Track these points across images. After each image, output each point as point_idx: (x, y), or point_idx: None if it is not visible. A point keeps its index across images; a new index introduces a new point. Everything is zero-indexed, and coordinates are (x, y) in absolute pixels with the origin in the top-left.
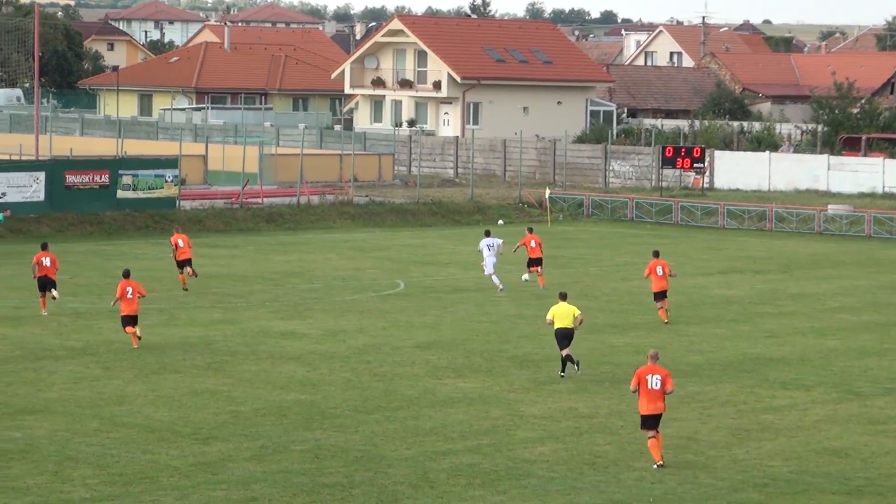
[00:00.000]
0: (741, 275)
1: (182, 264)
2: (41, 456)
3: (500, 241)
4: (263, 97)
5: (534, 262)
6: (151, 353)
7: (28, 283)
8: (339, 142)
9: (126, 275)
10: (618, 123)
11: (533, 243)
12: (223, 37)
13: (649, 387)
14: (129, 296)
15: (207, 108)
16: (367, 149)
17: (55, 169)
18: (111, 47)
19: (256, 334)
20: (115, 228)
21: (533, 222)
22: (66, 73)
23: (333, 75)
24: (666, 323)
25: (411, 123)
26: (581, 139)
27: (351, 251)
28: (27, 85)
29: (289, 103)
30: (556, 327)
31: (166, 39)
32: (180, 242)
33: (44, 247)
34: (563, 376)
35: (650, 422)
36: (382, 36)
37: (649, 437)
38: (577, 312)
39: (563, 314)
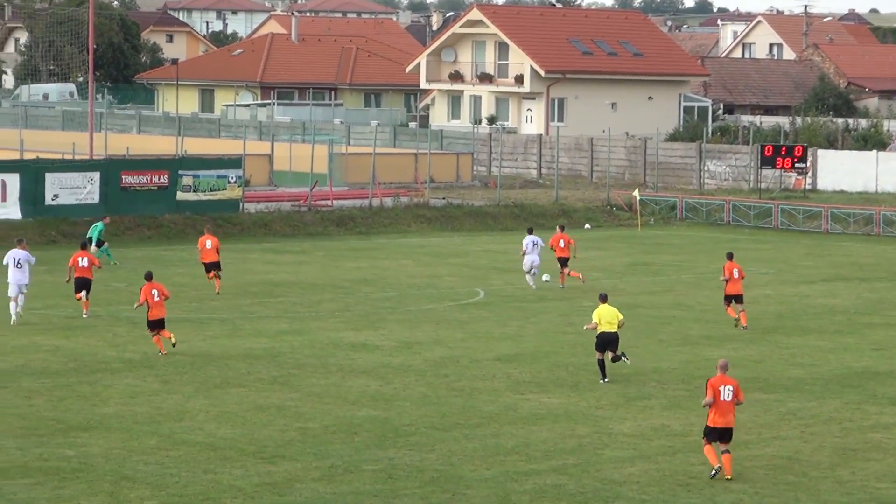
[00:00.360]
0: (846, 283)
1: (208, 268)
2: (96, 475)
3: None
4: (333, 92)
5: (562, 263)
6: (214, 366)
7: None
8: (415, 140)
9: (149, 277)
10: (713, 120)
11: (562, 243)
12: (290, 28)
13: (722, 398)
14: (155, 299)
15: (273, 104)
16: (444, 148)
17: (111, 169)
18: (170, 39)
19: (326, 346)
20: (174, 233)
21: (622, 226)
22: (122, 66)
23: (408, 69)
24: (738, 326)
25: (491, 120)
26: (674, 137)
27: (427, 257)
28: (81, 79)
29: (360, 99)
30: (599, 331)
31: (229, 31)
32: (208, 244)
33: (82, 246)
34: (605, 380)
35: (717, 435)
36: (461, 27)
37: (706, 444)
38: (621, 316)
39: (606, 317)
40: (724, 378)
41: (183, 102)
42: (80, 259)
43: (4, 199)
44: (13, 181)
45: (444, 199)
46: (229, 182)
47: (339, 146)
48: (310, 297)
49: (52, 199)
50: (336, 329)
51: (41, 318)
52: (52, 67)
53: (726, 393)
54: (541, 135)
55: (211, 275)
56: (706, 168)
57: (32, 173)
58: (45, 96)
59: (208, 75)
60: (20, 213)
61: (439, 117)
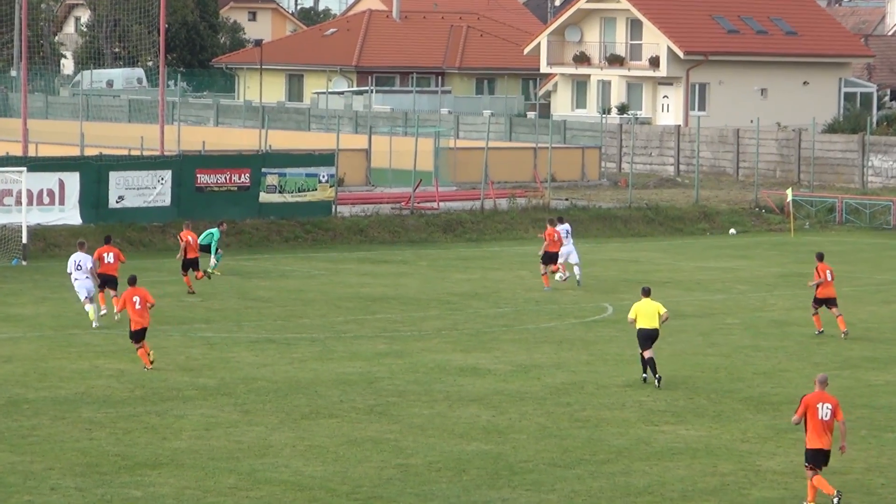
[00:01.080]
0: None
1: (188, 265)
2: None
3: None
4: (440, 78)
5: (550, 258)
6: (301, 394)
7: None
8: (533, 132)
9: (132, 282)
10: (878, 108)
11: (556, 236)
12: (391, 4)
13: (819, 417)
14: (136, 306)
15: (371, 91)
16: (568, 141)
17: (184, 167)
18: (253, 17)
19: (430, 370)
20: (256, 240)
21: (773, 231)
22: (197, 48)
23: (526, 50)
24: (844, 335)
25: (622, 109)
26: (833, 128)
27: None
28: (150, 64)
29: (471, 85)
30: (638, 327)
31: (321, 7)
32: (190, 240)
33: (107, 240)
34: (645, 378)
35: (819, 458)
36: (587, 2)
37: (809, 476)
38: (663, 311)
39: (647, 313)
40: (822, 395)
41: (267, 90)
42: (105, 254)
43: (62, 202)
44: (72, 181)
45: (566, 200)
46: (320, 181)
47: (447, 140)
48: (412, 314)
49: (117, 202)
50: (442, 350)
51: (104, 338)
52: (117, 50)
53: (824, 411)
54: (679, 126)
55: (190, 274)
56: (870, 164)
57: (94, 172)
58: (110, 83)
59: (297, 59)
60: (80, 218)
61: (562, 106)
